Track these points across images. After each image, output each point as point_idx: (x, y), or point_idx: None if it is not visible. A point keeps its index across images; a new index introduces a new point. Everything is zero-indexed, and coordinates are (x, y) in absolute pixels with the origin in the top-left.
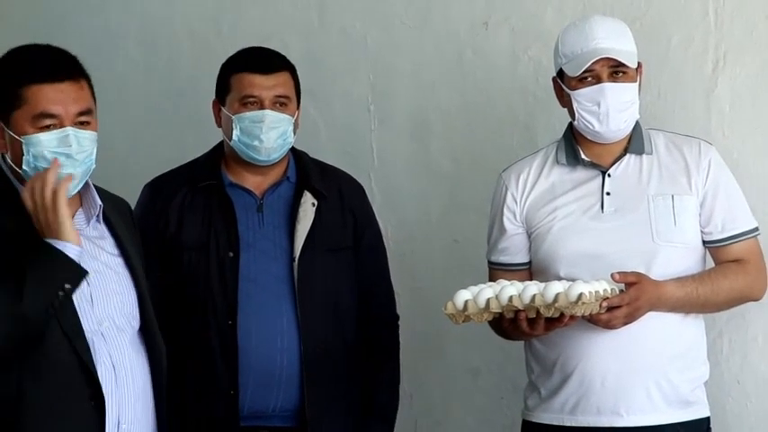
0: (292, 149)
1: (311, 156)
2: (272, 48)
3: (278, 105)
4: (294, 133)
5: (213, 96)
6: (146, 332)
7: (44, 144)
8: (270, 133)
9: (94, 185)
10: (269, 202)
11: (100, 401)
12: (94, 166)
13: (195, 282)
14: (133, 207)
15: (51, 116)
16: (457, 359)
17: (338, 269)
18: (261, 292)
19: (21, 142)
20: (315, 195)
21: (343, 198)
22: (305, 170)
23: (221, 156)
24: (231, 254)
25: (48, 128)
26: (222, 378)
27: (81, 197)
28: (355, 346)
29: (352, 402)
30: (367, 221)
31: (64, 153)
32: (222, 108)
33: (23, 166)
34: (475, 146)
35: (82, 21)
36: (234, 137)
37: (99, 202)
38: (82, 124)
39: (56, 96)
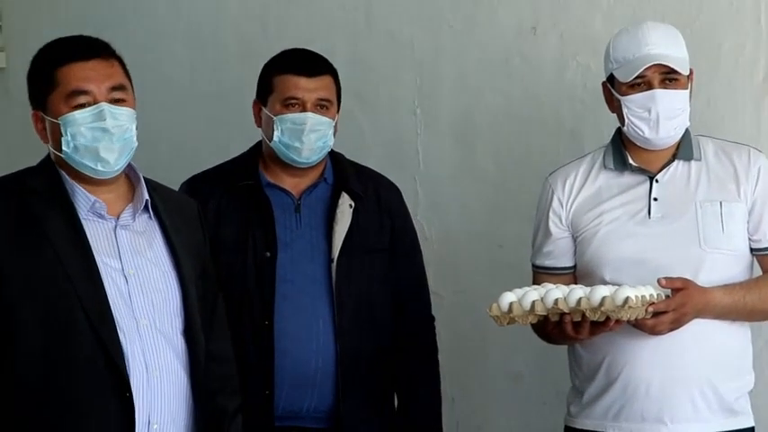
0: (330, 151)
1: (356, 159)
2: (317, 50)
3: (319, 108)
4: (334, 136)
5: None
6: (188, 333)
7: (79, 121)
8: (311, 136)
9: (161, 183)
10: (307, 203)
11: (128, 399)
12: (136, 144)
13: (232, 282)
14: None
15: (84, 93)
16: (499, 363)
17: (374, 271)
18: (297, 292)
19: (59, 125)
20: (352, 197)
21: (380, 200)
22: (342, 172)
23: (259, 156)
24: (268, 254)
25: (82, 106)
26: (257, 378)
27: (132, 192)
28: (390, 348)
29: (386, 405)
30: (403, 224)
31: (99, 128)
32: (263, 108)
33: (63, 148)
34: (520, 151)
35: (130, 21)
36: (275, 138)
37: (146, 196)
38: (117, 102)
39: (86, 74)
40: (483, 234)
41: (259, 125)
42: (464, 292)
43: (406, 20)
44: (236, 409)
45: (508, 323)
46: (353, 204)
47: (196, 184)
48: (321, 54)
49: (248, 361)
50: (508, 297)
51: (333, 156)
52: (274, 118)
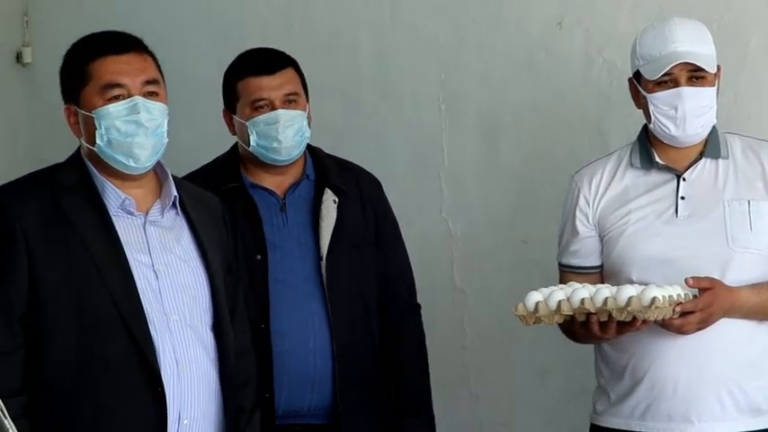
0: (308, 146)
1: (380, 155)
2: (342, 46)
3: (288, 103)
4: (309, 127)
5: None
6: (217, 328)
7: (113, 115)
8: (286, 132)
9: (185, 180)
10: (291, 201)
11: (160, 395)
12: (166, 140)
13: None
14: None
15: (118, 86)
16: (524, 360)
17: (363, 265)
18: (290, 292)
19: (92, 118)
20: (335, 192)
21: (362, 193)
22: (323, 167)
23: (238, 158)
24: (259, 256)
25: (116, 99)
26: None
27: (160, 188)
28: (382, 340)
29: (383, 397)
30: (385, 215)
31: (134, 121)
32: (234, 116)
33: (97, 141)
34: (545, 147)
35: (153, 16)
36: (252, 142)
37: (174, 192)
38: (151, 96)
39: (120, 67)
40: (508, 231)
41: (233, 133)
42: (488, 289)
43: (430, 15)
44: (254, 405)
45: (534, 323)
46: (337, 200)
47: None
48: (281, 51)
49: None
50: (534, 297)
51: (312, 151)
52: (246, 123)
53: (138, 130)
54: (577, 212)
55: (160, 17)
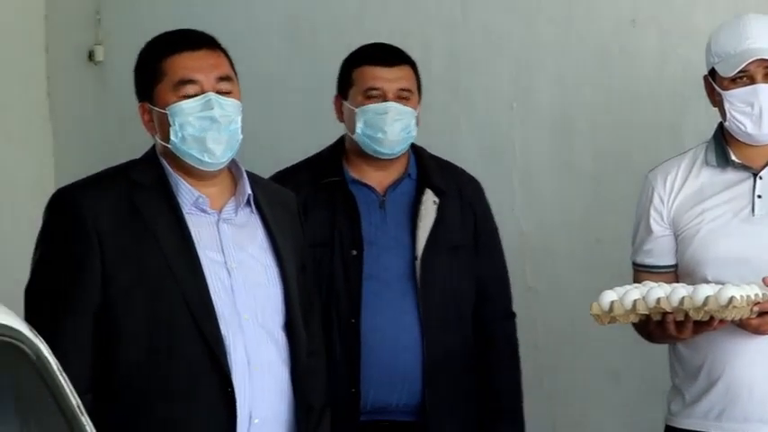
0: (412, 145)
1: (452, 152)
2: (414, 44)
3: (400, 98)
4: (416, 127)
5: None
6: (290, 327)
7: (187, 111)
8: (394, 125)
9: (260, 177)
10: (391, 199)
11: (230, 395)
12: (241, 137)
13: (319, 279)
14: None
15: (191, 82)
16: (597, 360)
17: (459, 267)
18: (383, 289)
19: (166, 115)
20: (436, 193)
21: (462, 195)
22: (425, 167)
23: (343, 151)
24: (354, 252)
25: (190, 95)
26: (344, 377)
27: (235, 186)
28: (475, 344)
29: (472, 400)
30: (485, 219)
31: (207, 117)
32: (344, 102)
33: (171, 137)
34: (619, 145)
35: (227, 15)
36: (357, 130)
37: (248, 190)
38: (224, 92)
39: (193, 63)
40: (580, 229)
41: (341, 120)
42: (561, 288)
43: (502, 13)
44: (324, 406)
45: (609, 322)
46: (438, 201)
47: (283, 180)
48: (402, 50)
49: (335, 358)
50: (609, 296)
51: (415, 150)
52: (356, 110)
53: (211, 125)
54: (652, 211)
55: (233, 16)
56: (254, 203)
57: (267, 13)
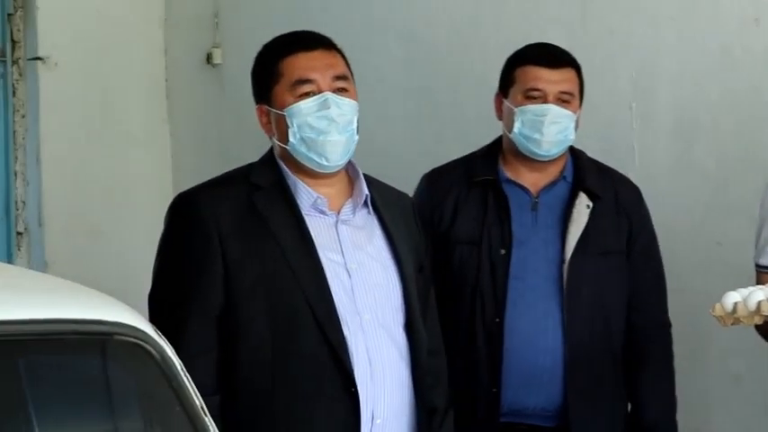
0: (571, 148)
1: None
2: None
3: (561, 101)
4: (575, 131)
5: (472, 91)
6: (409, 328)
7: (304, 111)
8: (551, 128)
9: (375, 178)
10: (544, 201)
11: (353, 395)
12: (357, 138)
13: (465, 277)
14: None
15: (308, 81)
16: (718, 364)
17: (609, 274)
18: (529, 291)
19: (284, 116)
20: (590, 197)
21: (618, 201)
22: (582, 170)
23: (499, 150)
24: (503, 251)
25: (307, 95)
26: (485, 375)
27: (352, 187)
28: (624, 353)
29: (617, 409)
30: (642, 226)
31: (325, 117)
32: (504, 101)
33: (289, 139)
34: (742, 146)
35: (344, 15)
36: (515, 129)
37: (366, 191)
38: (341, 91)
39: (309, 63)
40: (701, 232)
41: (500, 118)
42: (680, 291)
43: (623, 13)
44: (447, 406)
45: (732, 324)
46: (591, 205)
47: (436, 177)
48: (568, 51)
49: (478, 357)
50: (732, 297)
51: (573, 153)
52: (515, 109)
53: (329, 126)
54: None
55: (348, 18)
56: (372, 204)
57: (383, 14)
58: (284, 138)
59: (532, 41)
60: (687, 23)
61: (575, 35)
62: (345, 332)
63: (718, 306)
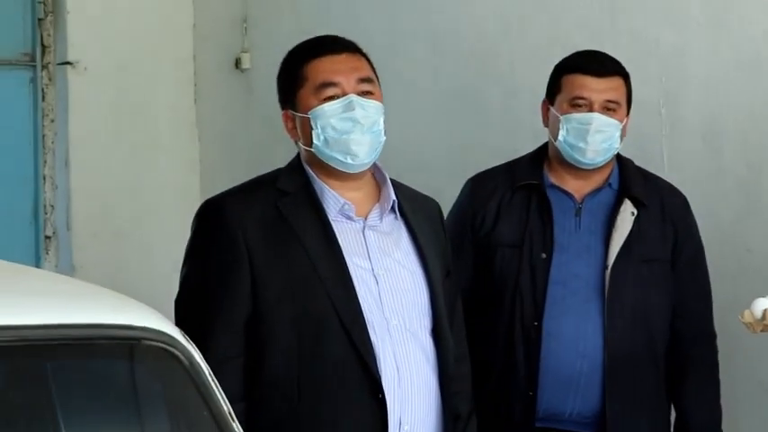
0: (618, 156)
1: None
2: (560, 49)
3: (607, 110)
4: (621, 140)
5: (500, 96)
6: (437, 333)
7: (329, 113)
8: (596, 136)
9: (402, 183)
10: (588, 207)
11: (381, 401)
12: (384, 139)
13: (505, 280)
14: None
15: (333, 84)
16: (746, 371)
17: (651, 281)
18: (569, 295)
19: (308, 119)
20: (635, 204)
21: (664, 209)
22: (627, 178)
23: (545, 156)
24: (544, 255)
25: (332, 98)
26: (522, 379)
27: (379, 192)
28: (666, 361)
29: (658, 418)
30: (688, 235)
31: (349, 118)
32: (551, 108)
33: (314, 141)
34: None
35: (371, 21)
36: (560, 137)
37: (393, 196)
38: (365, 94)
39: (334, 66)
40: (730, 238)
41: (546, 125)
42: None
43: (651, 17)
44: (470, 412)
45: (761, 330)
46: (636, 212)
47: (481, 180)
48: (617, 60)
49: (515, 361)
50: (762, 303)
51: (620, 161)
52: (560, 117)
53: (354, 127)
54: None
55: (375, 23)
56: (399, 210)
57: (411, 19)
58: (309, 141)
59: (559, 47)
60: (716, 29)
61: (603, 40)
62: (373, 338)
63: (747, 312)
